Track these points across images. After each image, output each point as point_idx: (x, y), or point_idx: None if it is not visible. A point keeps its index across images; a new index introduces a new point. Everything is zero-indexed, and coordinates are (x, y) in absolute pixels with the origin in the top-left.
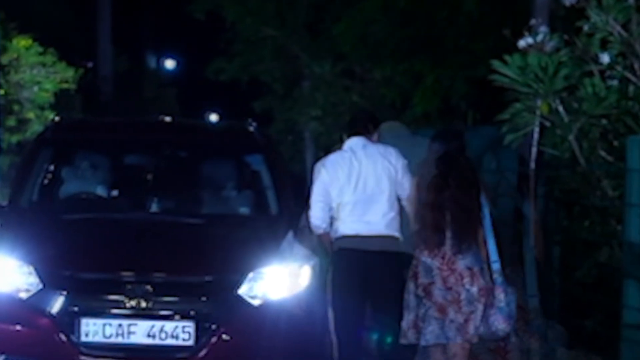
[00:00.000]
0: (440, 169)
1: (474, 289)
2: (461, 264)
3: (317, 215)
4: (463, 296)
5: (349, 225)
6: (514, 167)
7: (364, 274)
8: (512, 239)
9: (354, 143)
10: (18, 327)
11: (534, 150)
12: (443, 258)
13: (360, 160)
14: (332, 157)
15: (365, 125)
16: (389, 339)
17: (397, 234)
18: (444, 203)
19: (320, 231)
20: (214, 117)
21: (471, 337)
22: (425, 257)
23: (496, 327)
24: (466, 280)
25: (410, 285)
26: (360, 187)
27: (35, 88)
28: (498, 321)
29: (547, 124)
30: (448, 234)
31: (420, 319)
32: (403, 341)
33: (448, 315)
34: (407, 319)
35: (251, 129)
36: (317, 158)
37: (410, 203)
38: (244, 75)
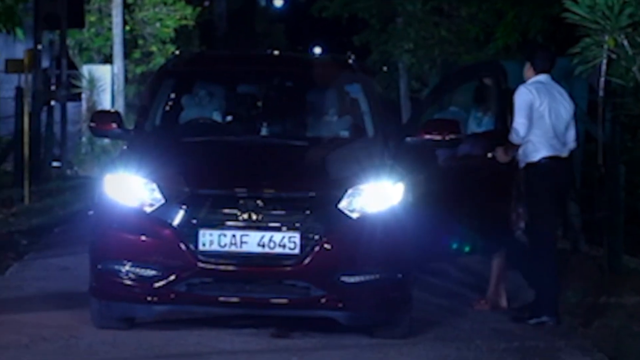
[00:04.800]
0: None
1: None
2: None
3: (522, 123)
4: None
5: (550, 146)
6: (585, 95)
7: (559, 181)
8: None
9: (546, 78)
10: (143, 238)
11: (602, 80)
12: None
13: (553, 93)
14: (537, 85)
15: (552, 65)
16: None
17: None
18: None
19: (519, 141)
20: (317, 50)
21: None
22: None
23: None
24: None
25: None
26: (557, 115)
27: (158, 24)
28: None
29: (614, 56)
30: None
31: None
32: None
33: None
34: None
35: (350, 61)
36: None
37: None
38: (345, 12)
